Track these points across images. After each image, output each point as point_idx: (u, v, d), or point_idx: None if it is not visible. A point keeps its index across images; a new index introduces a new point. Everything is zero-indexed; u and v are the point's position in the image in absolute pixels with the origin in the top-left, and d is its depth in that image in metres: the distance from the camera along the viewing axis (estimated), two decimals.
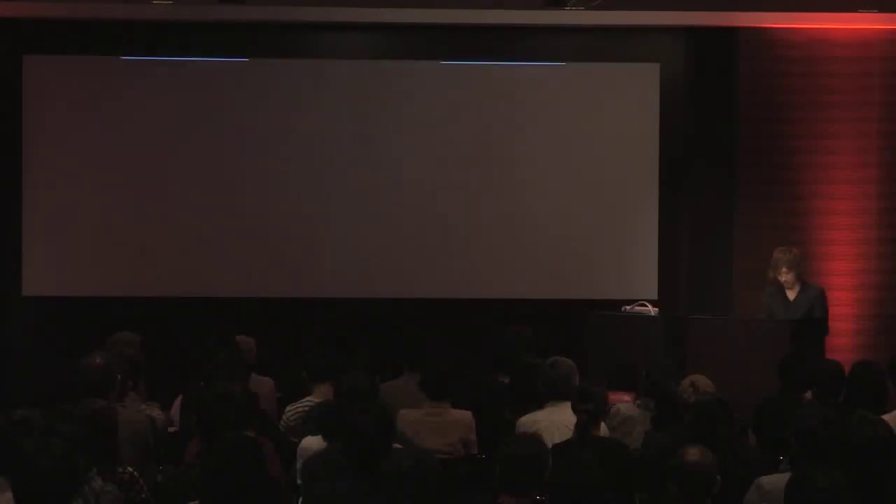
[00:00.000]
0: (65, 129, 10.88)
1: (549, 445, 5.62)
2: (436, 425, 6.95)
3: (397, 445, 5.82)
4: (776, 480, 5.29)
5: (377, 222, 11.00)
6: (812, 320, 9.33)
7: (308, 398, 7.33)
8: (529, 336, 8.15)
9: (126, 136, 10.89)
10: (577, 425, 6.28)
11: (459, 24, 10.90)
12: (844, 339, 10.63)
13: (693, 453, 5.09)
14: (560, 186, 11.08)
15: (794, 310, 9.40)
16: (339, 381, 6.58)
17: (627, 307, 9.65)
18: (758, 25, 10.93)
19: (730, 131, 11.03)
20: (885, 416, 6.22)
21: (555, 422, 6.65)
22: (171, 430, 7.32)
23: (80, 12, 10.68)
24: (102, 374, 6.44)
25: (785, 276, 9.47)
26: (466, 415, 7.08)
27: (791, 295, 9.50)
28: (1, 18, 10.67)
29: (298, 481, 6.10)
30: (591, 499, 4.89)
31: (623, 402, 7.28)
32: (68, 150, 10.88)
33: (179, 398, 7.66)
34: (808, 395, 7.30)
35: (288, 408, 7.42)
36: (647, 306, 9.57)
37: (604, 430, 6.56)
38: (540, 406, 6.89)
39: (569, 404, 6.49)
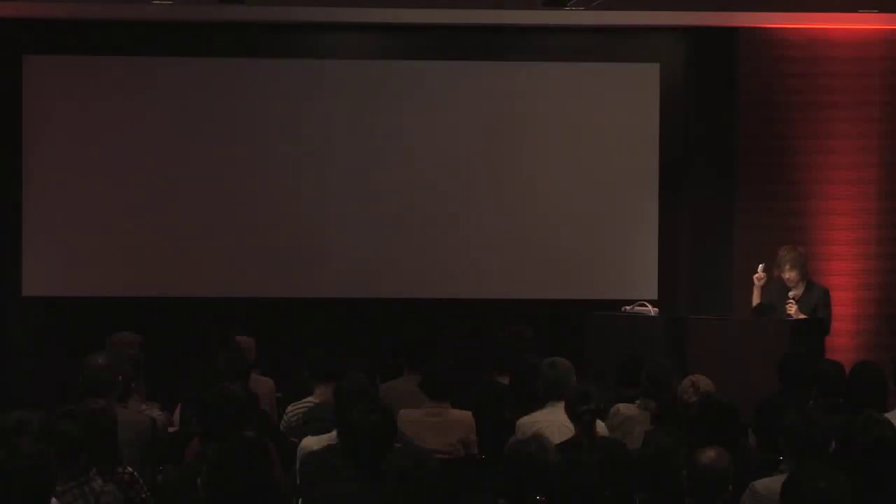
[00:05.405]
0: (65, 129, 10.87)
1: None
2: (436, 425, 6.95)
3: (397, 445, 5.82)
4: (770, 484, 5.28)
5: (377, 222, 11.00)
6: (812, 320, 9.32)
7: (308, 398, 7.34)
8: (529, 336, 8.14)
9: (126, 137, 10.88)
10: (580, 427, 6.25)
11: (459, 24, 10.89)
12: (844, 339, 10.62)
13: (709, 455, 5.06)
14: (560, 186, 11.07)
15: (798, 309, 9.39)
16: (339, 381, 6.58)
17: (627, 307, 9.65)
18: (758, 25, 10.93)
19: (730, 131, 11.03)
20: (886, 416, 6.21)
21: (555, 422, 6.64)
22: (171, 429, 7.32)
23: (80, 12, 10.67)
24: (103, 374, 6.44)
25: (788, 275, 9.44)
26: (466, 415, 7.08)
27: (795, 295, 9.48)
28: (1, 18, 10.67)
29: (298, 481, 6.10)
30: (591, 499, 4.89)
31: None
32: (68, 150, 10.87)
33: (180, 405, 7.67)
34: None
35: (288, 408, 7.42)
36: (647, 306, 9.57)
37: (603, 429, 6.56)
38: (540, 406, 6.89)
39: None
